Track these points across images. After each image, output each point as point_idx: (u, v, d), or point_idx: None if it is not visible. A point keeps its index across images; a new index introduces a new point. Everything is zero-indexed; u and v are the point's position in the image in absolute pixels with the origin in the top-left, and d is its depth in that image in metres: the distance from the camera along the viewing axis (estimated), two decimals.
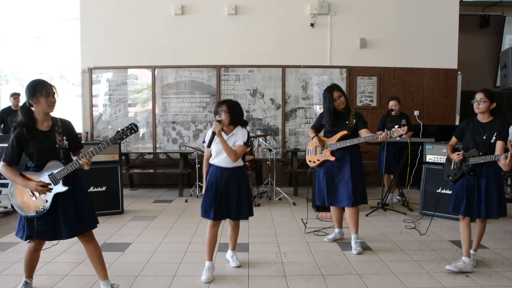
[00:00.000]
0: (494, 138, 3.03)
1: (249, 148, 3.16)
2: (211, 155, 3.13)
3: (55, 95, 2.55)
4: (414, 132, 5.97)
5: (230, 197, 3.06)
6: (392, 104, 5.70)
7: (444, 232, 4.33)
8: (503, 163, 2.89)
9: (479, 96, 3.09)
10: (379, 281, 3.01)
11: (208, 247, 3.10)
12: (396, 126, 3.50)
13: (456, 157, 3.16)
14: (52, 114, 2.62)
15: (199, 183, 6.39)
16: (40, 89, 2.48)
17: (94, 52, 7.53)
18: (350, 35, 7.52)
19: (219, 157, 3.07)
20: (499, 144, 3.00)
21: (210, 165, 3.15)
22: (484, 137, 3.07)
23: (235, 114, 3.05)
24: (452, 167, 3.24)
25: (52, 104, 2.53)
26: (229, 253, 3.40)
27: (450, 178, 3.26)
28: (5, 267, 3.27)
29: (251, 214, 3.19)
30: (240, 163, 3.13)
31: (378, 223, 4.75)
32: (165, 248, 3.83)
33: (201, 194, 3.17)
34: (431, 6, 7.54)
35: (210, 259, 3.11)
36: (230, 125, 3.07)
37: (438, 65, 7.61)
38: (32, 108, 2.52)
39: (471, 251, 3.24)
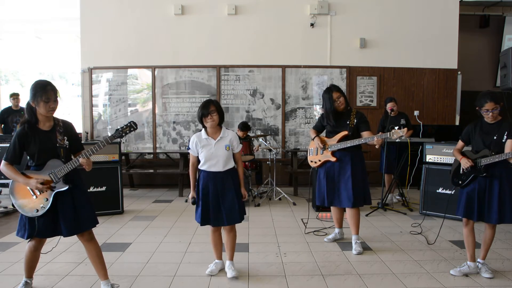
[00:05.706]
0: (505, 137, 2.94)
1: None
2: (198, 162, 3.05)
3: (57, 99, 2.52)
4: (414, 132, 5.97)
5: (226, 200, 2.99)
6: (390, 105, 5.64)
7: (444, 232, 4.32)
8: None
9: (490, 106, 2.95)
10: (379, 281, 3.01)
11: (214, 249, 3.19)
12: (396, 128, 3.49)
13: (465, 163, 3.06)
14: (54, 114, 2.61)
15: None
16: (40, 94, 2.45)
17: (94, 52, 7.53)
18: (350, 35, 7.52)
19: (209, 162, 2.99)
20: (509, 143, 2.92)
21: (198, 171, 3.05)
22: (495, 137, 2.99)
23: (222, 112, 3.00)
24: (462, 171, 3.13)
25: (51, 110, 2.51)
26: (227, 264, 3.13)
27: (460, 182, 3.14)
28: (5, 267, 3.27)
29: (244, 214, 3.12)
30: (232, 164, 3.07)
31: (378, 223, 4.75)
32: (165, 248, 3.83)
33: (190, 198, 3.08)
34: (431, 6, 7.54)
35: (219, 258, 3.20)
36: (217, 125, 2.99)
37: (438, 65, 7.61)
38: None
39: (480, 260, 3.13)
